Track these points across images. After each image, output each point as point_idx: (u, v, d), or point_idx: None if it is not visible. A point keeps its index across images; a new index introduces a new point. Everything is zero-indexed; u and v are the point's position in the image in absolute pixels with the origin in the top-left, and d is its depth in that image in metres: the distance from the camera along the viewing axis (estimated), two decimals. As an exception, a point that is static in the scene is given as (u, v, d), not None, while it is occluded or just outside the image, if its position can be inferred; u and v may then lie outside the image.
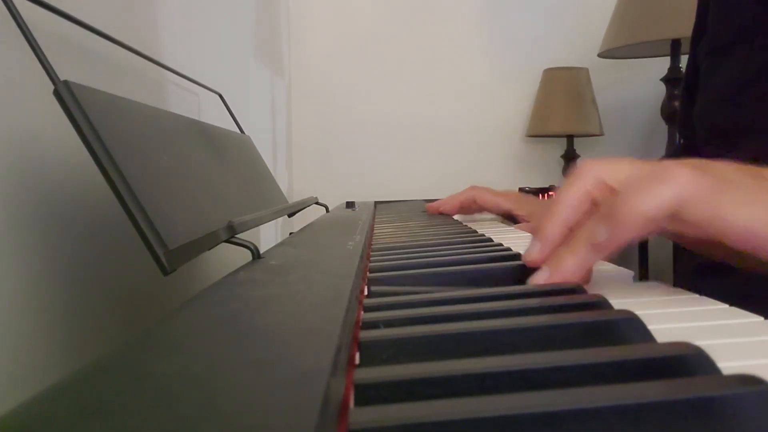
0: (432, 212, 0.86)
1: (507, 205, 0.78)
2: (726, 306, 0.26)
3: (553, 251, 0.33)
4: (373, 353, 0.21)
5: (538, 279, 0.31)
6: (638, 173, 0.31)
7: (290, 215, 0.73)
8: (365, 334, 0.22)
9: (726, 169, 0.31)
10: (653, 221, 0.29)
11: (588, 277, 0.32)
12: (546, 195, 1.57)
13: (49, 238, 0.45)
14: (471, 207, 0.81)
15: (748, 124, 0.54)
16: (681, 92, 0.73)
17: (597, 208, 0.33)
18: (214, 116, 0.87)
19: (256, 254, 0.38)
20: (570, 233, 0.33)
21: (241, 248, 0.39)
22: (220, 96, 0.85)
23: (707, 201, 0.28)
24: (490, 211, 0.81)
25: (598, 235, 0.29)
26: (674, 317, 0.24)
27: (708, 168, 0.31)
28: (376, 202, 1.18)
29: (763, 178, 0.30)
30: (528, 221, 0.75)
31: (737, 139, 0.55)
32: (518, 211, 0.78)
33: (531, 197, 0.85)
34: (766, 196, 0.29)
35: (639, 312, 0.22)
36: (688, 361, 0.18)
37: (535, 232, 0.35)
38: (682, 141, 0.80)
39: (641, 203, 0.28)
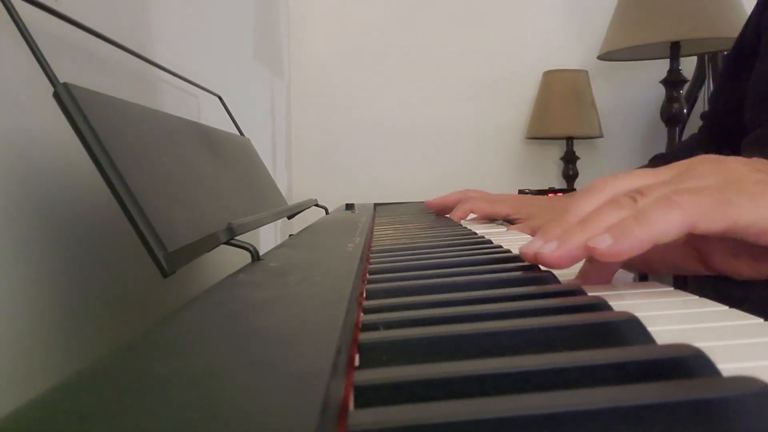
0: (431, 208, 0.88)
1: (505, 210, 0.78)
2: (726, 307, 0.26)
3: (570, 257, 0.33)
4: (373, 355, 0.21)
5: (528, 248, 0.31)
6: (649, 191, 0.31)
7: (290, 217, 0.73)
8: (365, 336, 0.22)
9: (732, 168, 0.31)
10: (659, 242, 0.28)
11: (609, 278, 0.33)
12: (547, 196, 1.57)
13: (48, 241, 0.45)
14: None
15: None
16: (720, 73, 0.78)
17: None
18: (214, 118, 0.87)
19: (256, 256, 0.38)
20: None
21: (241, 250, 0.39)
22: (220, 98, 0.85)
23: (720, 216, 0.28)
24: (486, 218, 0.81)
25: (601, 241, 0.29)
26: (674, 319, 0.24)
27: (711, 172, 0.31)
28: (375, 204, 1.18)
29: (761, 171, 0.31)
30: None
31: None
32: (517, 215, 0.77)
33: (529, 198, 0.85)
34: None
35: (638, 314, 0.22)
36: (688, 363, 0.18)
37: (541, 232, 0.34)
38: (702, 126, 0.86)
39: (650, 227, 0.28)
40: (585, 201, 0.33)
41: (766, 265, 0.32)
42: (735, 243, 0.31)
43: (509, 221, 0.79)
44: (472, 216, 0.82)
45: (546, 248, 0.31)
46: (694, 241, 0.34)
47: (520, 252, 0.34)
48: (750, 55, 0.71)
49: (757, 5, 0.72)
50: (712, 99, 0.85)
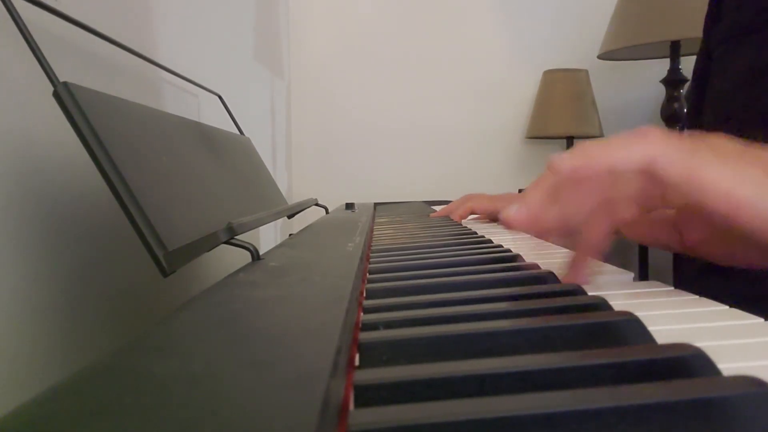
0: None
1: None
2: (726, 307, 0.26)
3: (532, 216, 0.34)
4: (373, 355, 0.21)
5: (508, 212, 0.32)
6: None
7: (290, 216, 0.73)
8: (365, 336, 0.22)
9: (717, 139, 0.31)
10: (617, 172, 0.29)
11: (587, 275, 0.33)
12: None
13: (48, 240, 0.45)
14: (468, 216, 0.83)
15: (761, 114, 0.54)
16: (690, 85, 0.73)
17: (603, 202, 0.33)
18: (214, 118, 0.87)
19: (256, 256, 0.38)
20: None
21: (241, 249, 0.39)
22: (220, 97, 0.85)
23: (681, 161, 0.28)
24: (487, 217, 0.83)
25: (560, 160, 0.29)
26: (674, 318, 0.24)
27: (694, 138, 0.30)
28: (375, 204, 1.18)
29: (755, 155, 0.29)
30: None
31: (752, 127, 0.55)
32: None
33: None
34: (751, 168, 0.28)
35: (639, 313, 0.22)
36: (689, 363, 0.17)
37: (519, 197, 0.35)
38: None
39: (611, 152, 0.29)
40: (566, 162, 0.33)
41: (739, 253, 0.32)
42: (713, 229, 0.32)
43: None
44: (473, 216, 0.83)
45: (508, 211, 0.32)
46: (679, 222, 0.34)
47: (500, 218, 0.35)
48: (704, 74, 0.66)
49: (705, 20, 0.67)
50: (686, 115, 0.81)
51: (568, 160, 0.29)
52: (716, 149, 0.29)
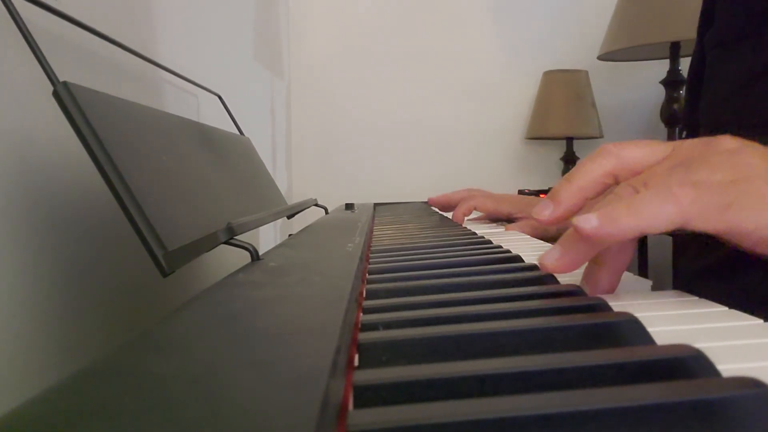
0: (434, 205, 0.89)
1: (507, 209, 0.78)
2: (725, 308, 0.26)
3: (565, 215, 0.33)
4: (373, 355, 0.21)
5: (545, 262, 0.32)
6: (652, 161, 0.32)
7: (289, 217, 0.73)
8: (364, 336, 0.22)
9: (744, 162, 0.30)
10: (646, 233, 0.28)
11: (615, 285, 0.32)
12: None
13: (48, 240, 0.45)
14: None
15: (755, 120, 0.53)
16: (686, 86, 0.72)
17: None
18: (214, 118, 0.87)
19: (255, 256, 0.38)
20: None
21: (240, 250, 0.39)
22: (220, 97, 0.85)
23: (716, 218, 0.28)
24: (489, 216, 0.82)
25: (586, 222, 0.28)
26: (674, 319, 0.24)
27: (721, 165, 0.30)
28: (375, 204, 1.18)
29: None
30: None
31: (745, 135, 0.54)
32: (519, 214, 0.78)
33: (533, 199, 0.84)
34: None
35: (638, 314, 0.22)
36: (688, 364, 0.18)
37: (549, 196, 0.34)
38: (684, 135, 0.79)
39: (641, 216, 0.28)
40: (590, 165, 0.34)
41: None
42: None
43: (510, 220, 0.79)
44: (474, 215, 0.82)
45: (547, 258, 0.31)
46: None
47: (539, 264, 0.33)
48: (699, 78, 0.64)
49: (699, 22, 0.65)
50: (683, 120, 0.77)
51: (595, 223, 0.28)
52: (753, 188, 0.28)
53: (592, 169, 0.33)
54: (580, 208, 0.34)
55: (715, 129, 0.60)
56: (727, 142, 0.33)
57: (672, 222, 0.28)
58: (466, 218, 0.80)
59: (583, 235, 0.28)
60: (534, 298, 0.28)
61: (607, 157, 0.34)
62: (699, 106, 0.64)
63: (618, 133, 1.84)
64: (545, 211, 0.33)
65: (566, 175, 0.35)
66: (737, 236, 0.28)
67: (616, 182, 0.34)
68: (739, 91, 0.56)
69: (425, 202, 1.27)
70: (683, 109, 0.75)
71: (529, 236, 0.61)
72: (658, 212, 0.27)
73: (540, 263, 0.32)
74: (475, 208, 0.80)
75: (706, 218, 0.28)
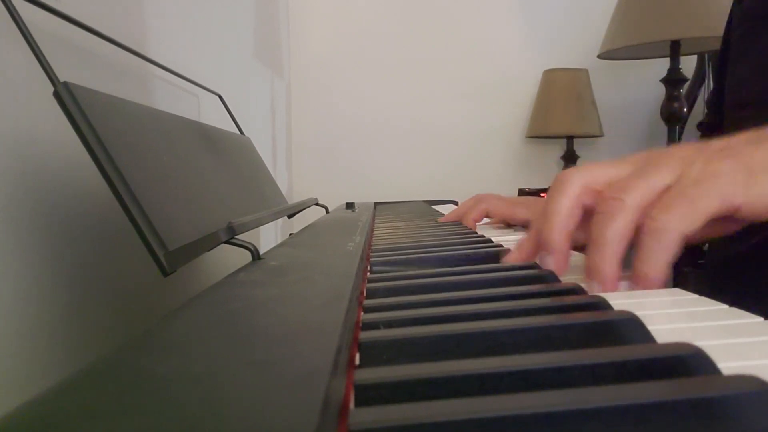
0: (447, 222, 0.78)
1: (523, 214, 0.67)
2: (725, 306, 0.26)
3: (567, 258, 0.34)
4: (374, 354, 0.21)
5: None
6: (617, 178, 0.33)
7: (290, 216, 0.73)
8: (365, 335, 0.22)
9: (683, 154, 0.32)
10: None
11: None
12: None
13: (49, 240, 0.45)
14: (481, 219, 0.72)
15: None
16: (712, 65, 0.71)
17: (590, 213, 0.34)
18: (214, 117, 0.87)
19: (256, 255, 0.38)
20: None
21: (241, 249, 0.39)
22: (220, 97, 0.85)
23: (762, 200, 0.29)
24: (503, 221, 0.71)
25: (652, 272, 0.30)
26: (674, 317, 0.24)
27: (730, 153, 0.31)
28: (376, 203, 1.18)
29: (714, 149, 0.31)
30: None
31: None
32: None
33: (542, 201, 0.76)
34: None
35: (638, 312, 0.22)
36: (688, 362, 0.17)
37: (542, 245, 0.35)
38: (703, 118, 0.76)
39: (687, 215, 0.29)
40: (561, 199, 0.34)
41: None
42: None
43: (527, 227, 0.68)
44: (486, 220, 0.74)
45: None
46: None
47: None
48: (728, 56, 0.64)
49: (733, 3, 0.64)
50: (711, 105, 0.75)
51: (656, 269, 0.30)
52: (704, 169, 0.30)
53: (564, 204, 0.34)
54: (571, 241, 0.35)
55: (740, 108, 0.59)
56: (653, 150, 0.35)
57: (718, 209, 0.29)
58: (478, 224, 0.71)
59: (646, 286, 0.30)
60: (534, 296, 0.28)
61: (570, 185, 0.34)
62: (725, 85, 0.63)
63: (618, 132, 1.84)
64: (550, 264, 0.34)
65: (541, 217, 0.35)
66: (730, 211, 0.30)
67: (585, 207, 0.34)
68: (765, 70, 0.55)
69: (426, 201, 1.27)
70: (709, 94, 0.73)
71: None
72: (699, 203, 0.29)
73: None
74: (487, 213, 0.70)
75: (752, 202, 0.29)
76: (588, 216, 0.34)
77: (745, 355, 0.19)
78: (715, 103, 0.68)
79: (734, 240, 0.56)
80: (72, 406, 0.14)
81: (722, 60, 0.66)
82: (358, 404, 0.17)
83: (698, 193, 0.30)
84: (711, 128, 0.72)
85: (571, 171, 0.35)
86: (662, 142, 1.64)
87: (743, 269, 0.54)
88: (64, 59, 0.48)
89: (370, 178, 1.87)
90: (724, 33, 0.67)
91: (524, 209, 0.68)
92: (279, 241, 0.86)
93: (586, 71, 1.72)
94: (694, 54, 1.65)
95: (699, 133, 0.79)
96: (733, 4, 0.65)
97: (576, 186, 0.34)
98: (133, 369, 0.17)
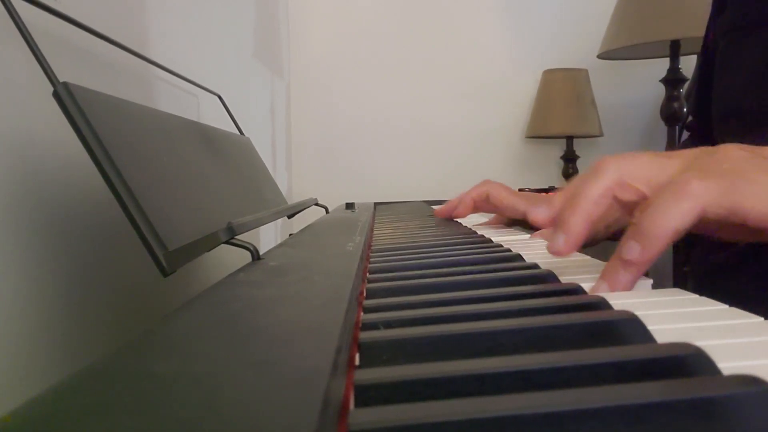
0: (442, 217, 0.75)
1: (523, 206, 0.64)
2: (726, 306, 0.26)
3: (578, 244, 0.34)
4: (373, 354, 0.21)
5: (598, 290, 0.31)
6: (657, 180, 0.33)
7: (290, 216, 0.73)
8: (365, 335, 0.22)
9: (734, 156, 0.32)
10: (680, 232, 0.30)
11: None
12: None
13: (48, 240, 0.45)
14: (482, 206, 0.70)
15: None
16: (695, 76, 0.71)
17: (617, 204, 0.34)
18: (214, 118, 0.87)
19: (256, 255, 0.38)
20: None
21: (241, 249, 0.39)
22: (220, 97, 0.85)
23: (725, 202, 0.30)
24: (503, 212, 0.67)
25: (631, 253, 0.30)
26: (674, 317, 0.24)
27: (717, 161, 0.32)
28: (375, 203, 1.18)
29: (764, 158, 0.32)
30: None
31: (763, 123, 0.53)
32: None
33: (548, 198, 0.74)
34: None
35: (638, 312, 0.22)
36: (688, 362, 0.17)
37: (558, 224, 0.34)
38: (689, 119, 0.75)
39: (668, 220, 0.30)
40: (593, 185, 0.34)
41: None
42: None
43: (525, 222, 0.66)
44: (485, 219, 0.73)
45: (601, 288, 0.31)
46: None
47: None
48: (710, 64, 0.63)
49: (711, 9, 0.64)
50: (691, 108, 0.74)
51: (637, 251, 0.30)
52: (749, 175, 0.31)
53: (595, 191, 0.34)
54: (589, 232, 0.34)
55: (730, 118, 0.59)
56: (705, 149, 0.35)
57: (692, 218, 0.30)
58: (477, 225, 0.69)
59: (630, 263, 0.30)
60: (534, 296, 0.28)
61: (606, 174, 0.34)
62: (711, 95, 0.63)
63: (618, 132, 1.84)
64: (558, 242, 0.34)
65: (568, 194, 0.35)
66: (742, 216, 0.30)
67: (616, 200, 0.34)
68: (756, 80, 0.55)
69: (426, 202, 1.27)
70: (691, 101, 0.73)
71: (528, 236, 0.58)
72: (674, 210, 0.29)
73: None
74: (487, 194, 0.67)
75: (718, 204, 0.29)
76: (615, 208, 0.34)
77: (745, 355, 0.19)
78: (701, 111, 0.68)
79: (713, 250, 0.57)
80: (72, 406, 0.14)
81: (703, 70, 0.66)
82: (357, 404, 0.17)
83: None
84: (700, 134, 0.71)
85: (611, 160, 0.35)
86: (662, 141, 1.64)
87: (724, 278, 0.54)
88: (63, 59, 0.48)
89: (369, 178, 1.87)
90: (702, 45, 0.68)
91: (524, 201, 0.65)
92: (279, 242, 0.86)
93: (585, 71, 1.72)
94: (694, 54, 1.64)
95: (688, 134, 0.77)
96: (711, 17, 0.65)
97: (611, 176, 0.34)
98: (133, 369, 0.17)
